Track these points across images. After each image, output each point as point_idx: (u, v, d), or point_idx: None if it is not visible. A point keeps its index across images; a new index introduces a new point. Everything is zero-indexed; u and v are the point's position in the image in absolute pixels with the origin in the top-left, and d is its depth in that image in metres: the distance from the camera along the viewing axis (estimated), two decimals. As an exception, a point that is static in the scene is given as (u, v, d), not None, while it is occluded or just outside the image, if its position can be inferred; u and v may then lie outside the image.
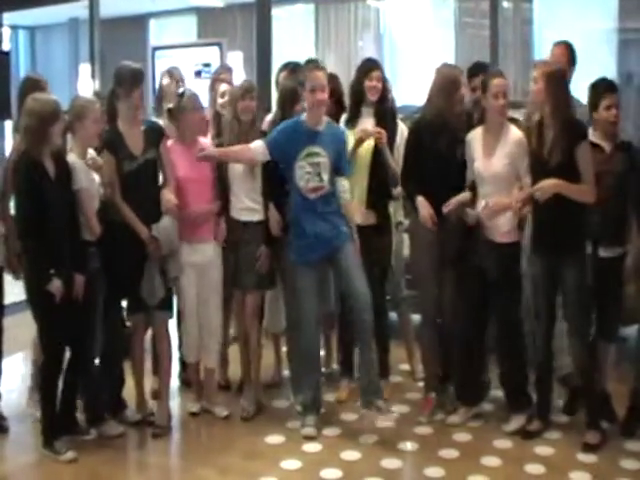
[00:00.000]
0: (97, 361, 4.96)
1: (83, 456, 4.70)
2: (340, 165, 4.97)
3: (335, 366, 5.86)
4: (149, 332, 5.29)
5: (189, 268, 5.11)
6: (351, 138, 5.22)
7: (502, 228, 4.79)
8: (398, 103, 5.54)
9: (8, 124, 9.02)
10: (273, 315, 5.61)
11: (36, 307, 4.63)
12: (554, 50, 5.55)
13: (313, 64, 5.23)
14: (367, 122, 5.28)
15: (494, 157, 4.79)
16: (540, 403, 4.90)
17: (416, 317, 5.69)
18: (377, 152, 5.21)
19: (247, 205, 5.15)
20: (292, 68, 5.67)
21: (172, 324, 5.34)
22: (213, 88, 6.05)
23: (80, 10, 10.52)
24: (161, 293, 4.91)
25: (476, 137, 4.90)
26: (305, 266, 4.95)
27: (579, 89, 5.14)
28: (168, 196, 4.91)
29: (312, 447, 4.82)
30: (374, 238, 5.25)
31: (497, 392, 5.21)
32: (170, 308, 5.15)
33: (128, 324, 5.20)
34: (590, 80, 4.91)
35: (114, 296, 4.92)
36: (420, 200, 4.96)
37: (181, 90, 5.35)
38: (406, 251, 5.63)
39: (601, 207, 4.58)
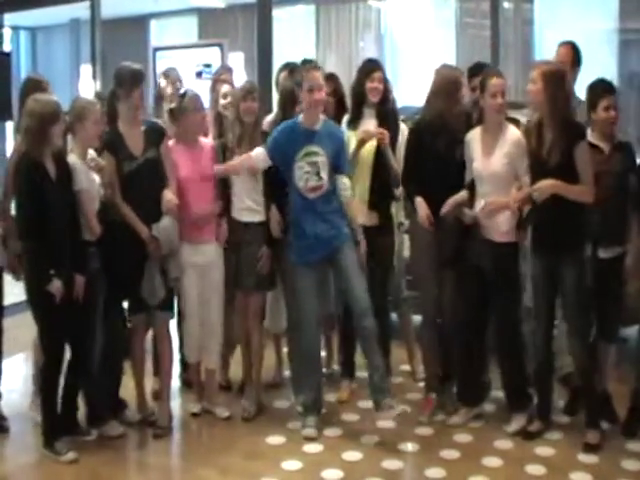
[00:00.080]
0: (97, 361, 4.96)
1: (84, 457, 4.70)
2: (339, 163, 4.97)
3: (336, 367, 5.86)
4: (149, 332, 5.29)
5: (190, 268, 5.11)
6: (353, 139, 5.23)
7: (501, 228, 4.79)
8: (399, 104, 5.53)
9: (9, 125, 9.05)
10: (274, 315, 5.61)
11: (36, 307, 4.63)
12: (559, 50, 5.54)
13: (310, 64, 5.22)
14: (369, 123, 5.28)
15: (493, 156, 4.79)
16: (541, 403, 4.90)
17: (417, 318, 5.68)
18: (379, 153, 5.21)
19: (248, 206, 5.15)
20: (292, 69, 5.67)
21: (172, 325, 5.34)
22: (214, 89, 6.05)
23: (81, 11, 10.53)
24: (161, 293, 4.91)
25: (475, 137, 4.90)
26: (305, 267, 4.95)
27: (579, 89, 5.14)
28: (169, 196, 4.91)
29: (313, 448, 4.82)
30: (376, 239, 5.25)
31: (498, 393, 5.21)
32: (171, 309, 5.15)
33: (129, 324, 5.20)
34: (591, 80, 4.91)
35: (114, 296, 4.92)
36: (418, 201, 4.97)
37: (182, 91, 5.35)
38: (407, 252, 5.64)
39: (600, 207, 4.58)
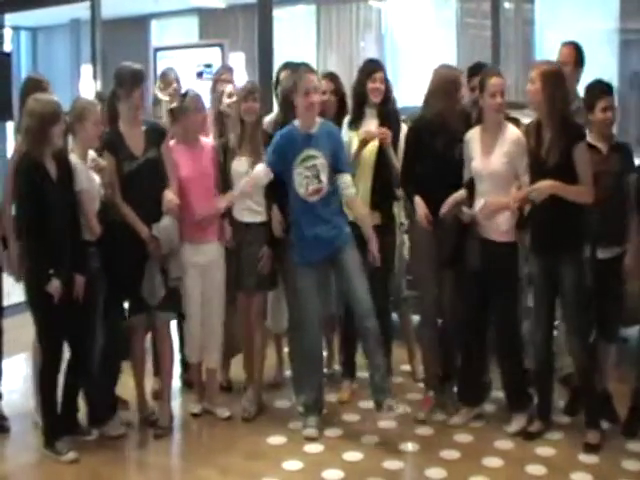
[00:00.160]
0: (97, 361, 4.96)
1: (84, 456, 4.71)
2: (339, 162, 4.95)
3: (337, 367, 5.86)
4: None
5: (192, 268, 5.11)
6: (355, 140, 5.22)
7: (500, 227, 4.79)
8: (399, 104, 5.53)
9: (10, 125, 9.05)
10: (275, 315, 5.60)
11: (35, 307, 4.63)
12: (562, 50, 5.54)
13: (305, 67, 5.20)
14: (371, 123, 5.27)
15: (492, 156, 4.79)
16: (541, 404, 4.90)
17: (417, 318, 5.68)
18: (381, 153, 5.21)
19: (249, 206, 5.16)
20: (293, 69, 5.66)
21: (172, 325, 5.35)
22: (215, 89, 6.06)
23: (82, 11, 10.52)
24: (161, 293, 4.90)
25: (474, 136, 4.90)
26: (307, 267, 4.95)
27: (582, 90, 5.13)
28: (170, 196, 4.91)
29: (314, 448, 4.82)
30: (378, 239, 5.25)
31: (498, 393, 5.21)
32: (172, 309, 5.14)
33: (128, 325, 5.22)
34: (591, 80, 4.92)
35: (114, 296, 4.92)
36: (417, 200, 4.98)
37: (183, 91, 5.36)
38: (407, 252, 5.64)
39: (599, 208, 4.58)
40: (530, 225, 4.81)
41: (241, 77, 8.04)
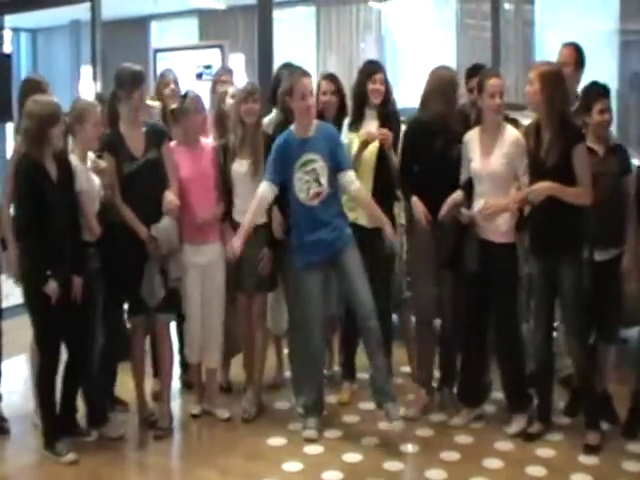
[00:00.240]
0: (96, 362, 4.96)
1: (84, 457, 4.71)
2: (339, 162, 4.93)
3: (337, 368, 5.85)
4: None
5: (192, 269, 5.11)
6: (355, 141, 5.22)
7: (500, 228, 4.79)
8: (399, 105, 5.52)
9: (10, 126, 9.05)
10: (275, 317, 5.60)
11: (32, 308, 4.63)
12: (562, 51, 5.53)
13: (300, 71, 5.19)
14: (371, 125, 5.27)
15: (492, 156, 4.79)
16: (541, 405, 4.90)
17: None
18: (382, 154, 5.21)
19: (249, 207, 5.15)
20: (290, 72, 5.66)
21: (172, 326, 5.35)
22: (214, 90, 6.06)
23: (82, 12, 10.52)
24: (161, 294, 4.90)
25: (473, 137, 4.90)
26: (309, 269, 4.94)
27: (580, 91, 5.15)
28: (170, 197, 4.91)
29: (313, 449, 4.82)
30: (379, 240, 5.25)
31: (498, 394, 5.21)
32: (172, 310, 5.14)
33: (128, 326, 5.21)
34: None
35: (114, 297, 4.92)
36: (414, 200, 4.99)
37: (183, 92, 5.36)
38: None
39: (597, 209, 4.58)
40: (529, 226, 4.81)
41: (241, 78, 8.03)
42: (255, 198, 4.93)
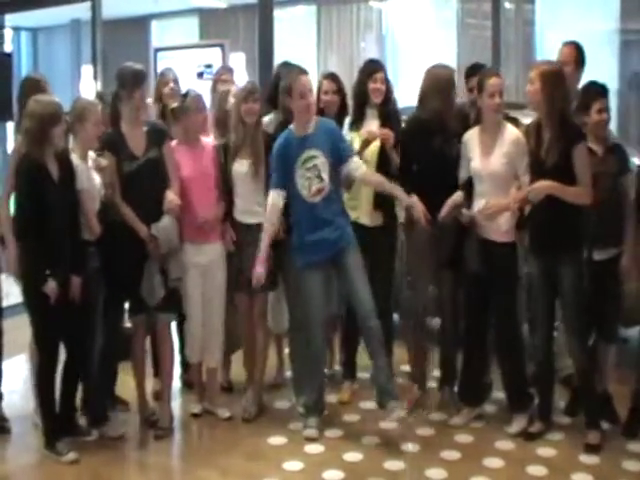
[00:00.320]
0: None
1: (85, 457, 4.71)
2: (342, 152, 4.91)
3: (337, 367, 5.85)
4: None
5: (193, 269, 5.11)
6: (356, 140, 5.22)
7: (501, 228, 4.79)
8: (400, 104, 5.52)
9: (10, 125, 9.05)
10: (276, 316, 5.59)
11: (31, 308, 4.63)
12: (562, 50, 5.53)
13: (298, 69, 5.18)
14: (372, 124, 5.27)
15: (492, 156, 4.78)
16: (541, 404, 4.90)
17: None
18: (383, 153, 5.20)
19: (250, 207, 5.15)
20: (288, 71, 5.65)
21: (172, 326, 5.35)
22: (215, 89, 6.05)
23: (82, 11, 10.51)
24: (160, 293, 4.90)
25: (473, 137, 4.90)
26: (310, 268, 4.93)
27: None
28: (171, 196, 4.91)
29: (314, 448, 4.82)
30: (380, 239, 5.26)
31: (499, 393, 5.21)
32: (173, 310, 5.14)
33: (127, 325, 5.22)
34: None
35: (114, 296, 4.92)
36: (413, 199, 4.99)
37: (184, 91, 5.36)
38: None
39: (596, 209, 4.57)
40: (529, 226, 4.80)
41: (241, 77, 8.03)
42: (268, 209, 4.93)
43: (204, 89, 5.86)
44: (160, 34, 13.95)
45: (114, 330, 5.00)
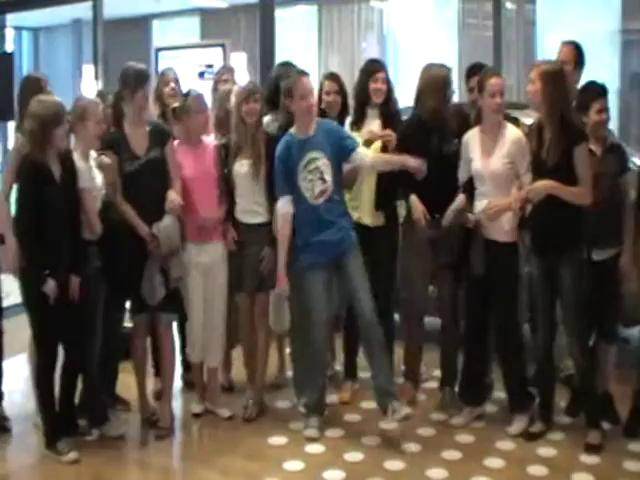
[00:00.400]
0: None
1: (85, 457, 4.71)
2: (346, 146, 4.90)
3: (338, 367, 5.85)
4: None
5: (195, 268, 5.12)
6: (358, 140, 5.21)
7: (504, 227, 4.78)
8: (401, 104, 5.52)
9: (12, 125, 9.05)
10: (277, 316, 5.59)
11: (30, 307, 4.64)
12: (561, 49, 5.52)
13: (298, 71, 5.17)
14: (373, 124, 5.27)
15: (493, 156, 4.78)
16: (542, 404, 4.90)
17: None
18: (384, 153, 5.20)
19: (251, 207, 5.15)
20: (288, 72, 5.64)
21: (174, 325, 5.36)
22: (216, 89, 6.05)
23: (83, 11, 10.53)
24: (161, 293, 4.90)
25: (473, 137, 4.89)
26: (313, 269, 4.92)
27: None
28: (172, 196, 4.91)
29: (315, 448, 4.82)
30: (381, 239, 5.26)
31: (500, 394, 5.21)
32: (174, 310, 5.14)
33: (127, 325, 5.22)
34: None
35: (115, 296, 4.92)
36: (413, 199, 5.00)
37: (186, 90, 5.36)
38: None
39: (595, 209, 4.56)
40: (530, 226, 4.80)
41: (242, 77, 8.02)
42: (280, 220, 4.94)
43: (205, 89, 5.86)
44: (161, 34, 13.96)
45: (115, 330, 5.01)
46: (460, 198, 4.91)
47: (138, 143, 4.92)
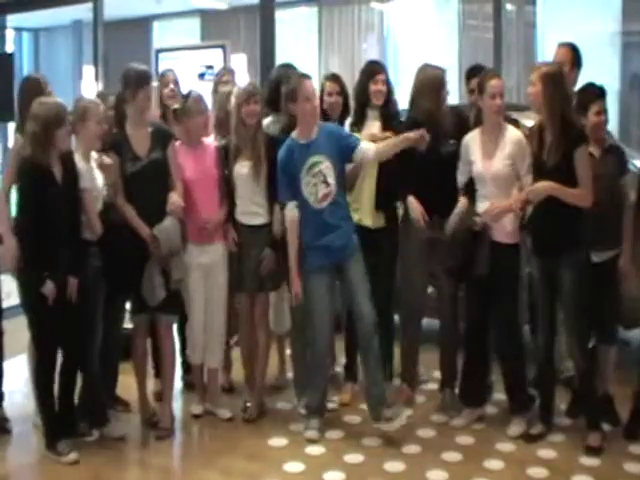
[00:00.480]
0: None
1: (85, 457, 4.71)
2: (348, 147, 4.88)
3: (338, 369, 5.85)
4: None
5: (196, 269, 5.12)
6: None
7: (506, 228, 4.78)
8: (401, 106, 5.52)
9: (12, 126, 9.05)
10: (277, 317, 5.60)
11: (29, 308, 4.64)
12: (558, 51, 5.53)
13: (300, 74, 5.17)
14: (373, 125, 5.27)
15: (495, 158, 4.78)
16: (543, 406, 4.90)
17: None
18: None
19: (251, 209, 5.15)
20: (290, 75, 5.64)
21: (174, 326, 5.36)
22: (216, 90, 6.05)
23: (84, 12, 10.55)
24: (161, 294, 4.89)
25: (474, 139, 4.90)
26: (316, 272, 4.92)
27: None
28: (174, 198, 4.91)
29: (315, 450, 4.82)
30: (382, 240, 5.26)
31: (500, 395, 5.21)
32: (174, 311, 5.14)
33: (127, 326, 5.22)
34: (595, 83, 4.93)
35: (115, 296, 4.92)
36: (410, 200, 5.01)
37: (186, 92, 5.36)
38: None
39: (594, 210, 4.56)
40: (532, 228, 4.80)
41: (243, 79, 8.03)
42: (288, 225, 4.95)
43: (205, 90, 5.86)
44: (161, 35, 13.94)
45: (114, 330, 5.01)
46: (462, 202, 4.90)
47: (140, 144, 4.93)
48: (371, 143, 4.93)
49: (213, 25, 13.22)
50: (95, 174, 4.80)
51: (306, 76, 5.04)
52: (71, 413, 4.87)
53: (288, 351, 5.75)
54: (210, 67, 9.70)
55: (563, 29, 9.83)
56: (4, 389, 5.22)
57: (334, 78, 5.50)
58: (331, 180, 4.87)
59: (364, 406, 5.31)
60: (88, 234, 4.75)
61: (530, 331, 5.39)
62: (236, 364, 5.70)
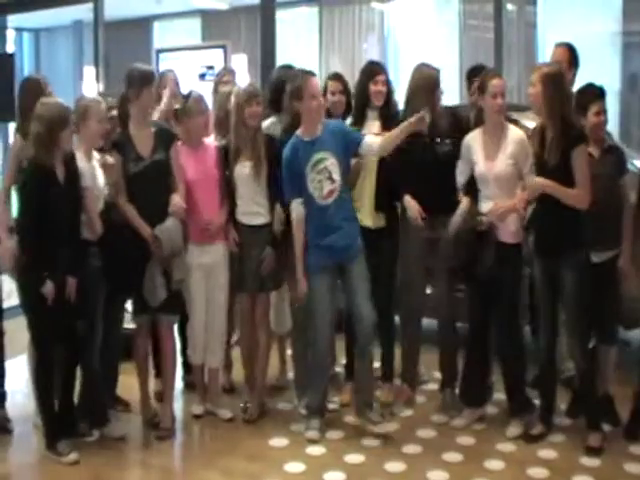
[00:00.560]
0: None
1: (86, 458, 4.71)
2: (353, 142, 4.89)
3: (338, 369, 5.85)
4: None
5: (197, 270, 5.12)
6: None
7: (509, 228, 4.78)
8: (401, 106, 5.52)
9: (12, 126, 9.06)
10: (278, 317, 5.60)
11: (28, 309, 4.65)
12: (555, 51, 5.55)
13: (306, 72, 5.17)
14: (373, 125, 5.27)
15: (497, 158, 4.78)
16: (543, 406, 4.90)
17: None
18: (384, 158, 5.19)
19: (252, 209, 5.15)
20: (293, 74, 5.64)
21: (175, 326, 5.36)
22: (217, 90, 6.05)
23: (84, 13, 10.54)
24: (162, 294, 4.89)
25: (475, 139, 4.89)
26: (318, 271, 4.92)
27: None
28: (176, 199, 4.91)
29: (316, 450, 4.82)
30: (382, 240, 5.26)
31: (500, 395, 5.20)
32: (175, 311, 5.15)
33: (128, 326, 5.22)
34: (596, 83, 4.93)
35: (115, 296, 4.92)
36: (407, 199, 5.02)
37: (187, 92, 5.36)
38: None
39: (593, 211, 4.56)
40: (533, 228, 4.80)
41: (243, 79, 8.03)
42: (294, 223, 4.94)
43: (206, 90, 5.86)
44: (162, 35, 13.95)
45: (114, 330, 5.01)
46: (465, 202, 4.90)
47: (143, 144, 4.93)
48: (375, 138, 4.94)
49: (214, 25, 13.23)
50: (96, 173, 4.80)
51: (312, 73, 5.05)
52: (71, 413, 4.88)
53: (289, 351, 5.75)
54: (211, 67, 9.69)
55: (564, 29, 9.83)
56: (6, 388, 5.22)
57: (337, 77, 5.50)
58: (336, 176, 4.87)
59: (364, 406, 5.34)
60: (88, 234, 4.75)
61: (531, 332, 5.40)
62: (237, 364, 5.70)
